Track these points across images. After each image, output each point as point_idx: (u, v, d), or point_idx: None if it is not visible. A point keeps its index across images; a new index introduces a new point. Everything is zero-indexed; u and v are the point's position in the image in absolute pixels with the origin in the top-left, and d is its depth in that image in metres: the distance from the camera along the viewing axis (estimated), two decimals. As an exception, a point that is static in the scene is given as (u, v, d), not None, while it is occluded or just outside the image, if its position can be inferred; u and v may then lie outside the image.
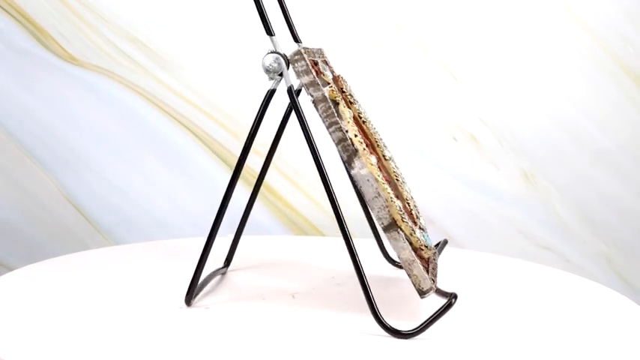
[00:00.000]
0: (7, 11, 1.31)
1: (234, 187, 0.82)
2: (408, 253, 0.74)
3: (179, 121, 1.34)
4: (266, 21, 0.79)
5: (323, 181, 0.77)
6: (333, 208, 0.76)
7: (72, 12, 1.31)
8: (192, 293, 0.82)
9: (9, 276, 0.90)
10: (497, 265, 0.99)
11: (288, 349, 0.72)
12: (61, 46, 1.32)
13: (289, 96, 0.80)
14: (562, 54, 1.35)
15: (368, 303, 0.74)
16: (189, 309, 0.81)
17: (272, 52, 0.79)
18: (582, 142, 1.36)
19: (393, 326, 0.74)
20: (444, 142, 1.35)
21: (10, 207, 1.34)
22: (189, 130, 1.34)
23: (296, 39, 0.89)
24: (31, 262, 0.96)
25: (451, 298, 0.74)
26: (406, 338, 0.74)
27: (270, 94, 0.82)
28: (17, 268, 1.00)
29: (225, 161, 1.34)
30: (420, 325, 0.74)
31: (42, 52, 1.32)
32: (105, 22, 1.32)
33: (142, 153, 1.34)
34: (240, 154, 0.82)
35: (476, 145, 1.35)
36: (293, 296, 0.85)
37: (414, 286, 0.74)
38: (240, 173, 0.82)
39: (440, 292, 0.77)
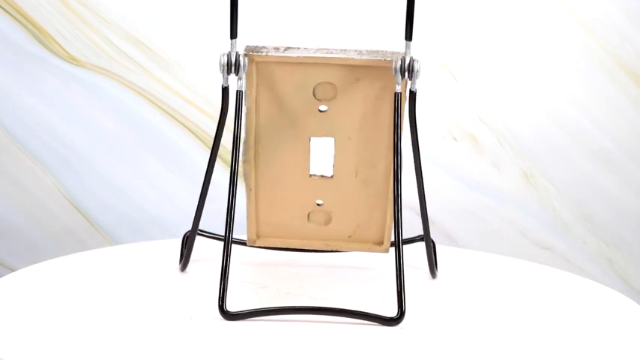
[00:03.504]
0: (7, 11, 1.31)
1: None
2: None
3: (179, 121, 1.34)
4: (411, 25, 0.76)
5: None
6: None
7: (72, 12, 1.31)
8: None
9: (10, 277, 0.90)
10: (497, 265, 0.99)
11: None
12: (61, 46, 1.32)
13: (410, 99, 0.80)
14: (562, 54, 1.35)
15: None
16: (191, 308, 0.81)
17: (415, 58, 0.78)
18: (582, 142, 1.36)
19: None
20: (444, 142, 1.35)
21: (10, 207, 1.34)
22: (189, 130, 1.34)
23: (234, 35, 0.88)
24: (32, 262, 0.96)
25: (428, 241, 0.90)
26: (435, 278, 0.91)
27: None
28: (17, 268, 1.00)
29: (225, 161, 1.33)
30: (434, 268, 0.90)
31: (42, 52, 1.32)
32: (105, 22, 1.32)
33: (142, 153, 1.34)
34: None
35: (476, 145, 1.35)
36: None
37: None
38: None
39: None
